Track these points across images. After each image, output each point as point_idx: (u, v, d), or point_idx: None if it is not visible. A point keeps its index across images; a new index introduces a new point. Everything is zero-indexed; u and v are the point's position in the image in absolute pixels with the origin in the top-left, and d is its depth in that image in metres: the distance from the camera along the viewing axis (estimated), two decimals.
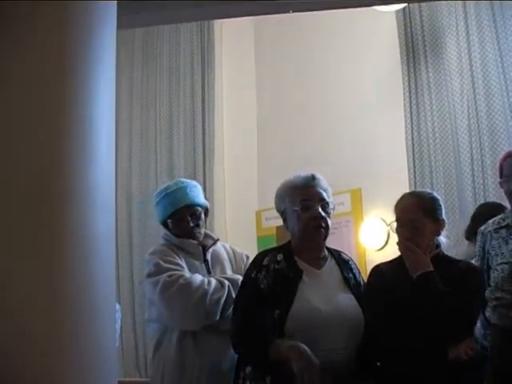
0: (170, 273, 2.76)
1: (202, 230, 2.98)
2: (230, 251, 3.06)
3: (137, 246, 5.89)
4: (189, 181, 3.07)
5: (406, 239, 2.49)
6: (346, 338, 2.41)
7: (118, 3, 2.29)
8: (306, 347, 2.24)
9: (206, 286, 2.74)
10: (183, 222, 2.93)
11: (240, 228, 5.91)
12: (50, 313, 1.84)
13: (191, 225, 2.93)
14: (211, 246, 2.98)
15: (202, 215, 2.99)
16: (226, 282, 2.79)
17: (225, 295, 2.75)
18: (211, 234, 3.07)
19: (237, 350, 2.51)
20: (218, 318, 2.74)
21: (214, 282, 2.78)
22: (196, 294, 2.71)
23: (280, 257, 2.52)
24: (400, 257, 2.59)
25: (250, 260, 2.92)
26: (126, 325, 5.69)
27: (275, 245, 2.76)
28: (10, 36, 1.98)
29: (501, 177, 2.95)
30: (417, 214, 2.50)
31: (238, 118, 6.34)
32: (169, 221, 2.95)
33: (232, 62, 6.41)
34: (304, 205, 2.54)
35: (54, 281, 1.86)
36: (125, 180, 6.02)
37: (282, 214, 2.64)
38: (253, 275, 2.49)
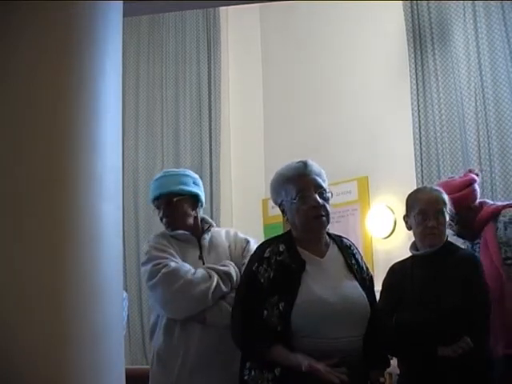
0: (156, 261, 2.80)
1: (183, 217, 2.96)
2: (232, 236, 3.04)
3: (143, 235, 5.90)
4: (171, 170, 3.09)
5: (432, 227, 2.76)
6: (353, 326, 2.43)
7: None
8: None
9: (189, 276, 2.75)
10: (158, 213, 2.98)
11: (246, 216, 5.92)
12: (55, 301, 1.84)
13: (163, 214, 2.96)
14: (204, 232, 2.98)
15: (178, 202, 2.94)
16: (214, 273, 2.78)
17: (212, 286, 2.75)
18: (206, 219, 3.08)
19: (238, 346, 2.52)
20: (202, 308, 2.75)
21: (200, 272, 2.79)
22: (177, 283, 2.73)
23: (282, 247, 2.51)
24: (412, 257, 2.88)
25: (251, 244, 2.95)
26: (132, 312, 5.71)
27: (282, 233, 2.75)
28: (15, 21, 1.97)
29: None
30: (442, 206, 2.80)
31: (244, 105, 6.33)
32: None
33: (238, 47, 6.40)
34: (301, 196, 2.51)
35: (60, 269, 1.87)
36: (131, 168, 6.02)
37: (280, 206, 2.62)
38: (253, 268, 2.48)
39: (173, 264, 2.79)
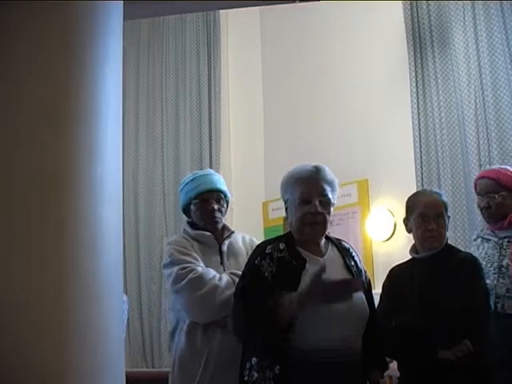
0: (183, 265, 2.82)
1: (223, 218, 3.04)
2: (249, 243, 3.09)
3: (143, 238, 5.91)
4: (212, 171, 3.22)
5: (433, 230, 2.76)
6: (352, 326, 2.43)
7: None
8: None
9: (216, 282, 2.78)
10: (207, 204, 2.98)
11: (247, 219, 5.91)
12: (56, 304, 1.84)
13: (215, 207, 2.98)
14: (226, 238, 3.01)
15: (225, 204, 3.05)
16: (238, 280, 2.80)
17: None
18: (228, 226, 3.10)
19: (241, 339, 2.51)
20: (226, 313, 2.74)
21: (225, 278, 2.82)
22: (204, 288, 2.75)
23: (282, 245, 2.51)
24: (412, 259, 2.88)
25: None
26: (132, 315, 5.71)
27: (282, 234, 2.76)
28: (15, 24, 1.97)
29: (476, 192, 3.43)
30: (442, 209, 2.81)
31: (244, 109, 6.33)
32: (193, 202, 2.99)
33: (238, 52, 6.40)
34: (302, 199, 2.52)
35: (61, 272, 1.87)
36: (131, 171, 6.02)
37: (285, 203, 2.64)
38: (256, 262, 2.48)
39: (200, 269, 2.82)
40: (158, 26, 6.29)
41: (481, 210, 3.35)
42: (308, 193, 2.52)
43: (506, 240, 3.22)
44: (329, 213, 2.55)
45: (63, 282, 1.86)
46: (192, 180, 3.05)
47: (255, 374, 2.38)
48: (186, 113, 6.09)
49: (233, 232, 3.07)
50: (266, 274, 2.44)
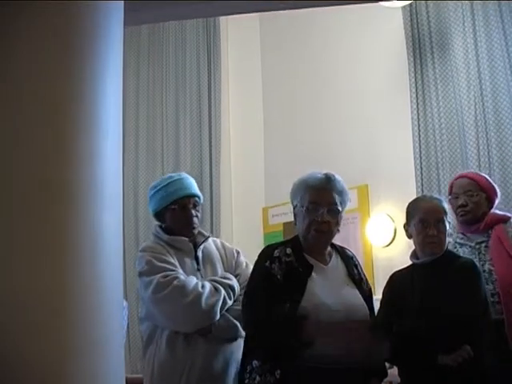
0: (164, 273, 2.76)
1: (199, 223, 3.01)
2: (221, 247, 3.06)
3: (143, 242, 5.88)
4: (185, 174, 3.12)
5: (433, 236, 2.76)
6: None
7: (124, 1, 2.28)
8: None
9: (200, 289, 2.74)
10: (185, 209, 2.93)
11: (247, 225, 5.91)
12: (56, 309, 1.84)
13: (193, 213, 2.94)
14: (202, 242, 2.97)
15: (200, 208, 3.02)
16: (221, 287, 2.79)
17: (220, 300, 2.75)
18: (203, 231, 3.06)
19: (251, 340, 2.51)
20: (211, 321, 2.74)
21: (208, 285, 2.77)
22: (189, 296, 2.71)
23: (289, 250, 2.53)
24: (412, 265, 2.88)
25: (241, 255, 2.98)
26: (132, 321, 5.69)
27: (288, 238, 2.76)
28: (15, 24, 1.97)
29: (450, 194, 3.42)
30: (443, 215, 2.81)
31: (244, 115, 6.34)
32: (170, 208, 2.93)
33: (238, 58, 6.41)
34: (311, 207, 2.53)
35: (61, 277, 1.86)
36: (131, 177, 6.02)
37: (294, 208, 2.65)
38: (267, 264, 2.48)
39: (182, 277, 2.77)
40: (158, 32, 6.31)
41: (455, 209, 3.34)
42: (316, 201, 2.54)
43: (483, 245, 3.23)
44: (337, 222, 2.56)
45: (62, 289, 1.86)
46: (168, 184, 2.97)
47: (257, 378, 2.38)
48: (186, 119, 6.10)
49: (208, 237, 3.03)
50: (279, 277, 2.45)
